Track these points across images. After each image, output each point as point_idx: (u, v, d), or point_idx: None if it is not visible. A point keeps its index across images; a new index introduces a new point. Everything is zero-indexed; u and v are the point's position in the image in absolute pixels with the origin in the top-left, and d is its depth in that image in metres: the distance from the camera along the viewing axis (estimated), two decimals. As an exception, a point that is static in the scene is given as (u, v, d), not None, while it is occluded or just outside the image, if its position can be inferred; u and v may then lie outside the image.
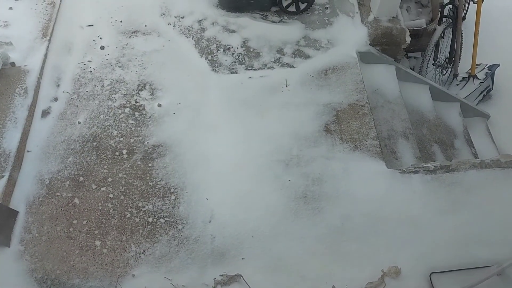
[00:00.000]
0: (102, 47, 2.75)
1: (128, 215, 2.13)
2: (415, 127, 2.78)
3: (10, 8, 2.89)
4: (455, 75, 3.41)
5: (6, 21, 2.81)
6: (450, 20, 3.19)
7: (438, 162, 2.30)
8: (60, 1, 2.94)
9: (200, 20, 2.93)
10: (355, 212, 2.11)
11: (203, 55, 2.77)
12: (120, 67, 2.66)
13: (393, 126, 2.63)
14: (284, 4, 2.94)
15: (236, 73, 2.70)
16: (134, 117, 2.46)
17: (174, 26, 2.89)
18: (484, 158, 2.32)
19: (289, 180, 2.22)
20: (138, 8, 2.94)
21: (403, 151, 2.54)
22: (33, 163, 2.28)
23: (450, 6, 3.19)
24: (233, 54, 2.79)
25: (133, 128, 2.42)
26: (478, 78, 3.33)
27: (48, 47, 2.70)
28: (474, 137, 3.04)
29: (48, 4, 2.93)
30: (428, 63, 3.19)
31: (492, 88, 3.46)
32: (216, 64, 2.73)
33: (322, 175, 2.24)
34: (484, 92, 3.42)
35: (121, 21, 2.87)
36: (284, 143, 2.36)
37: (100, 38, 2.79)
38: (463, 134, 3.00)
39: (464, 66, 3.42)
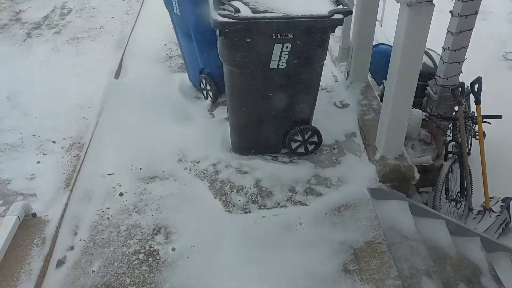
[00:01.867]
0: (120, 194, 2.86)
1: None
2: (437, 265, 2.68)
3: (38, 162, 3.11)
4: (470, 209, 3.39)
5: (33, 174, 2.99)
6: (456, 156, 3.31)
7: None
8: (85, 153, 3.16)
9: (214, 164, 3.08)
10: None
11: (217, 196, 2.84)
12: (137, 212, 2.73)
13: (414, 264, 2.54)
14: (293, 146, 3.11)
15: (250, 212, 2.74)
16: (147, 263, 2.44)
17: (190, 170, 3.04)
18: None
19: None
20: (157, 156, 3.12)
21: (429, 292, 2.40)
22: (42, 315, 2.20)
23: (454, 142, 3.35)
24: (246, 194, 2.86)
25: (146, 275, 2.37)
26: (494, 211, 3.31)
27: (69, 196, 2.82)
28: (501, 273, 2.89)
29: (73, 156, 3.15)
30: (440, 198, 3.21)
31: (511, 221, 3.41)
32: (230, 205, 2.78)
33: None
34: (503, 225, 3.36)
35: (140, 168, 3.03)
36: (300, 286, 2.27)
37: (120, 185, 2.92)
38: (488, 271, 2.86)
39: (477, 199, 3.42)
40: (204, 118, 3.53)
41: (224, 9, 2.58)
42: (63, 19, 4.95)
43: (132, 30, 4.77)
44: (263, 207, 2.77)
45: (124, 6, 5.27)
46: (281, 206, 2.77)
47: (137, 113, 3.50)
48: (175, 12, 3.42)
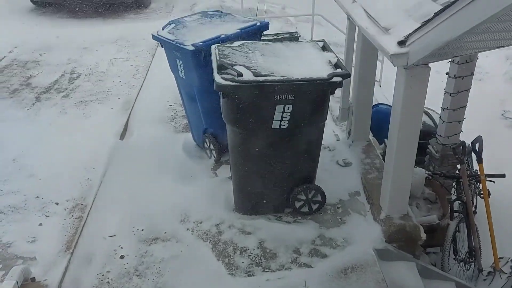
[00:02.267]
0: (121, 257, 2.81)
1: None
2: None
3: (40, 224, 3.09)
4: (480, 270, 3.29)
5: (34, 237, 2.96)
6: (462, 215, 3.27)
7: None
8: (87, 214, 3.15)
9: (217, 224, 3.05)
10: None
11: (220, 259, 2.78)
12: (137, 275, 2.67)
13: (426, 329, 2.43)
14: (297, 205, 3.09)
15: (253, 275, 2.67)
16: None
17: (192, 231, 3.00)
18: None
19: None
20: (160, 216, 3.10)
21: None
22: None
23: (459, 201, 3.32)
24: (250, 256, 2.80)
25: None
26: (505, 272, 3.21)
27: (70, 260, 2.77)
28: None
29: (76, 218, 3.13)
30: (448, 258, 3.13)
31: (523, 282, 3.30)
32: (233, 267, 2.72)
33: None
34: (515, 287, 3.25)
35: (142, 230, 3.00)
36: None
37: (121, 248, 2.87)
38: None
39: (486, 259, 3.33)
40: (207, 177, 3.54)
41: (227, 73, 2.68)
42: (72, 83, 5.12)
43: (138, 93, 4.91)
44: (267, 270, 2.70)
45: (131, 71, 5.47)
46: (285, 269, 2.71)
47: (141, 173, 3.53)
48: (180, 76, 3.55)
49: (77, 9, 7.98)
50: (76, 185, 3.43)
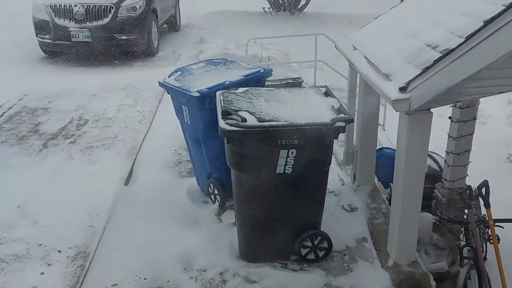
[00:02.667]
0: (123, 306, 2.74)
1: None
2: None
3: (42, 273, 3.04)
4: (494, 319, 3.17)
5: (35, 287, 2.91)
6: (472, 261, 3.18)
7: None
8: (90, 263, 3.10)
9: (221, 272, 2.98)
10: None
11: (224, 309, 2.71)
12: (139, 326, 2.59)
13: None
14: (303, 252, 3.03)
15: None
16: None
17: (196, 280, 2.93)
18: None
19: None
20: (163, 264, 3.04)
21: None
22: None
23: (468, 247, 3.24)
24: (255, 306, 2.72)
25: None
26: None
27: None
28: None
29: (78, 266, 3.08)
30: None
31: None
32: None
33: None
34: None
35: (145, 278, 2.94)
36: None
37: (123, 297, 2.81)
38: None
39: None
40: (211, 223, 3.50)
41: (232, 119, 2.72)
42: (79, 129, 5.20)
43: (144, 138, 4.97)
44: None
45: (138, 117, 5.55)
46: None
47: (144, 219, 3.50)
48: (186, 121, 3.60)
49: (86, 59, 8.25)
50: (79, 232, 3.41)
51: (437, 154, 4.24)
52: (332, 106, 2.94)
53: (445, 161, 3.79)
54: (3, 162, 4.46)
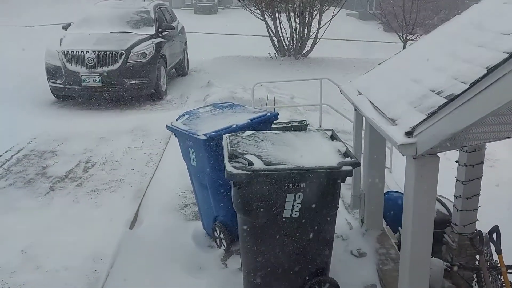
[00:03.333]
0: None
1: None
2: None
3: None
4: None
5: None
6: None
7: None
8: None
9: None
10: None
11: None
12: None
13: None
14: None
15: None
16: None
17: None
18: None
19: None
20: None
21: None
22: None
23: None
24: None
25: None
26: None
27: None
28: None
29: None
30: None
31: None
32: None
33: None
34: None
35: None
36: None
37: None
38: None
39: None
40: (217, 269, 3.43)
41: (239, 162, 2.73)
42: (86, 172, 5.23)
43: (150, 181, 4.97)
44: None
45: (145, 159, 5.59)
46: None
47: (148, 264, 3.44)
48: (192, 164, 3.62)
49: (95, 102, 8.42)
50: (82, 277, 3.34)
51: (446, 198, 4.19)
52: (339, 149, 2.95)
53: (454, 206, 3.75)
54: (10, 205, 4.46)
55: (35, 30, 17.44)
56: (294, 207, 2.76)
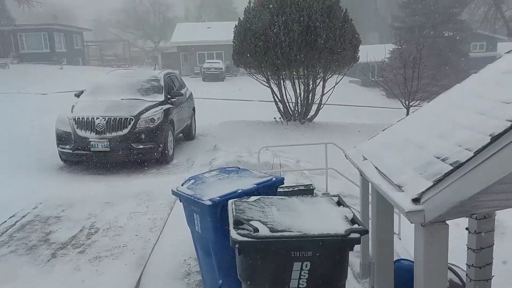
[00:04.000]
0: None
1: None
2: None
3: None
4: None
5: None
6: None
7: None
8: None
9: None
10: None
11: None
12: None
13: None
14: None
15: None
16: None
17: None
18: None
19: None
20: None
21: None
22: None
23: None
24: None
25: None
26: None
27: None
28: None
29: None
30: None
31: None
32: None
33: None
34: None
35: None
36: None
37: None
38: None
39: None
40: None
41: (244, 228, 2.69)
42: (89, 238, 5.15)
43: (153, 248, 4.88)
44: None
45: (149, 224, 5.52)
46: None
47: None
48: (197, 230, 3.56)
49: (102, 167, 8.50)
50: None
51: (458, 267, 4.04)
52: (346, 216, 2.91)
53: (466, 275, 3.60)
54: (10, 273, 4.35)
55: (48, 97, 18.04)
56: (301, 276, 2.67)
